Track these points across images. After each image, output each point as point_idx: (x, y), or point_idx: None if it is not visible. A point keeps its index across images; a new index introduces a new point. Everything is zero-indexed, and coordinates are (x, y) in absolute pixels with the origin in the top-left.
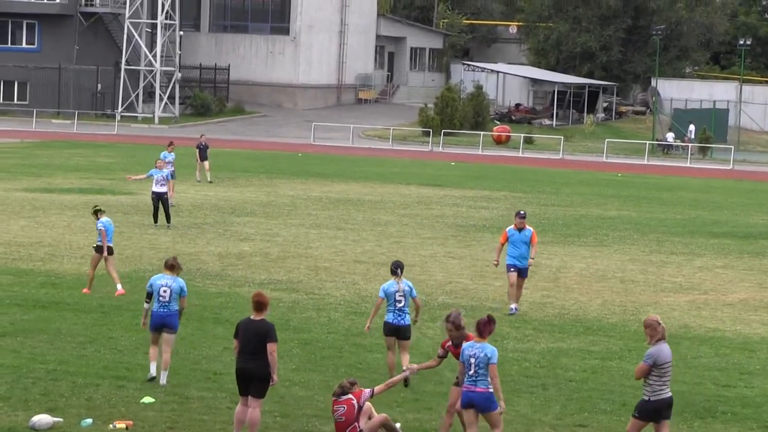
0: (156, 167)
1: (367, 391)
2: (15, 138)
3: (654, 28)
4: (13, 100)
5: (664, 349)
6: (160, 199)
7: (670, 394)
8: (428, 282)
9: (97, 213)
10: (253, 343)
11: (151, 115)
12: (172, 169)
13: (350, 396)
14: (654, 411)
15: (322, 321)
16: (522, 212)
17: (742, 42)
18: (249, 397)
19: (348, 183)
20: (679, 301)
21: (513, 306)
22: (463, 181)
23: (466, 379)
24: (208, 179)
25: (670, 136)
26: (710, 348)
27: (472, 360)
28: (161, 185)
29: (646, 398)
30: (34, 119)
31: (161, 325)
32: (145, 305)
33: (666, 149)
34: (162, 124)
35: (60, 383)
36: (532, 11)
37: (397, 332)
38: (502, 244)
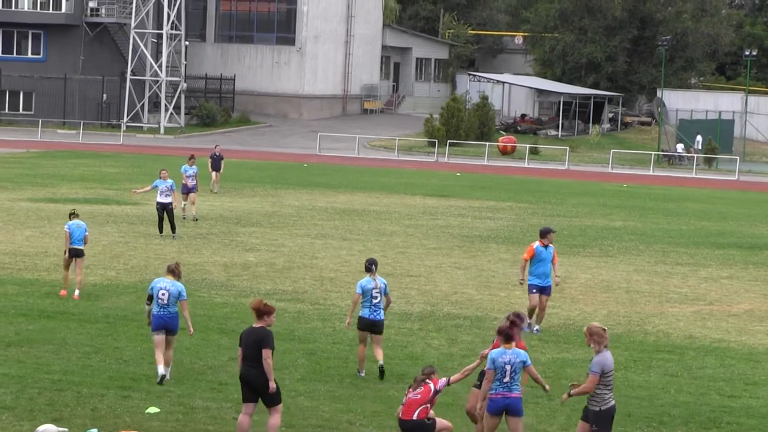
0: (160, 178)
1: (443, 380)
2: (20, 148)
3: (660, 38)
4: (18, 110)
5: (608, 357)
6: (165, 209)
7: (614, 402)
8: (433, 292)
9: (70, 216)
10: (253, 350)
11: (156, 126)
12: (194, 182)
13: (429, 382)
14: (609, 418)
15: (327, 331)
16: (552, 228)
17: (747, 53)
18: (267, 407)
19: (353, 193)
20: (684, 312)
21: (536, 327)
22: (469, 191)
23: (498, 386)
24: (215, 190)
25: (679, 147)
26: (715, 358)
27: (508, 367)
28: (166, 196)
29: (597, 409)
30: (40, 129)
31: (163, 326)
32: (146, 307)
33: (671, 160)
34: (167, 134)
35: (65, 393)
36: (537, 22)
37: (372, 327)
38: (527, 261)
